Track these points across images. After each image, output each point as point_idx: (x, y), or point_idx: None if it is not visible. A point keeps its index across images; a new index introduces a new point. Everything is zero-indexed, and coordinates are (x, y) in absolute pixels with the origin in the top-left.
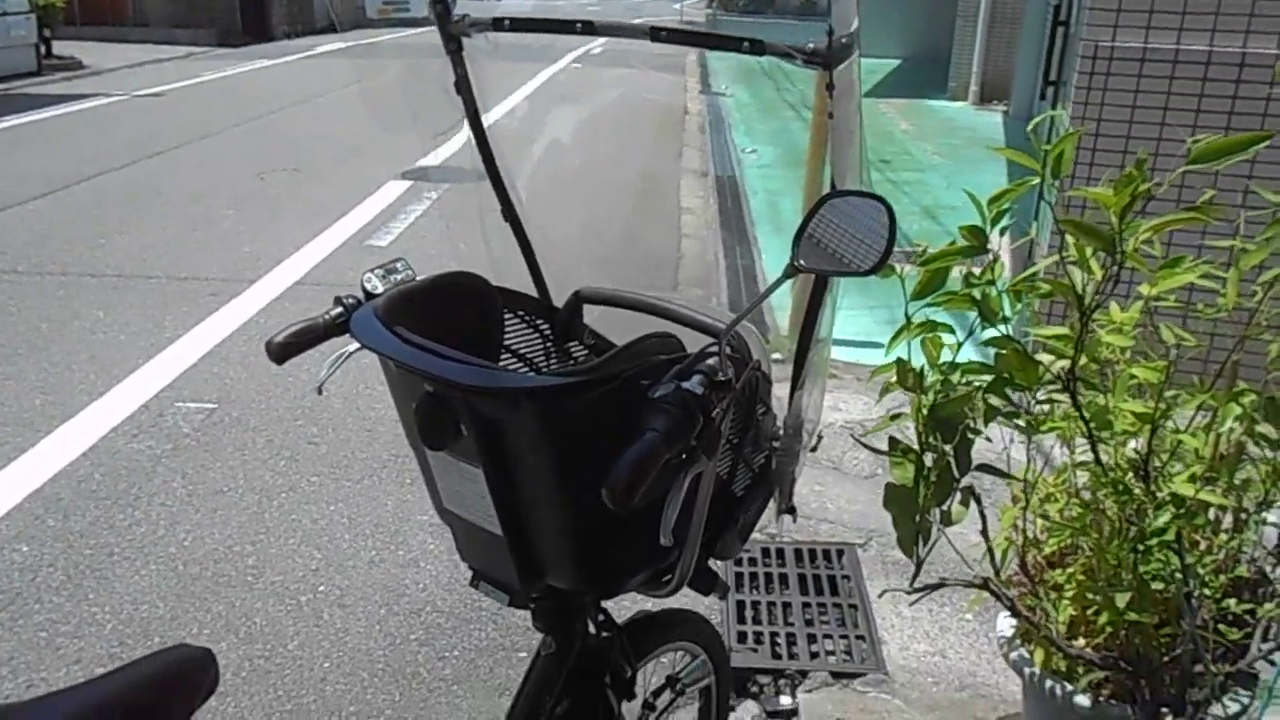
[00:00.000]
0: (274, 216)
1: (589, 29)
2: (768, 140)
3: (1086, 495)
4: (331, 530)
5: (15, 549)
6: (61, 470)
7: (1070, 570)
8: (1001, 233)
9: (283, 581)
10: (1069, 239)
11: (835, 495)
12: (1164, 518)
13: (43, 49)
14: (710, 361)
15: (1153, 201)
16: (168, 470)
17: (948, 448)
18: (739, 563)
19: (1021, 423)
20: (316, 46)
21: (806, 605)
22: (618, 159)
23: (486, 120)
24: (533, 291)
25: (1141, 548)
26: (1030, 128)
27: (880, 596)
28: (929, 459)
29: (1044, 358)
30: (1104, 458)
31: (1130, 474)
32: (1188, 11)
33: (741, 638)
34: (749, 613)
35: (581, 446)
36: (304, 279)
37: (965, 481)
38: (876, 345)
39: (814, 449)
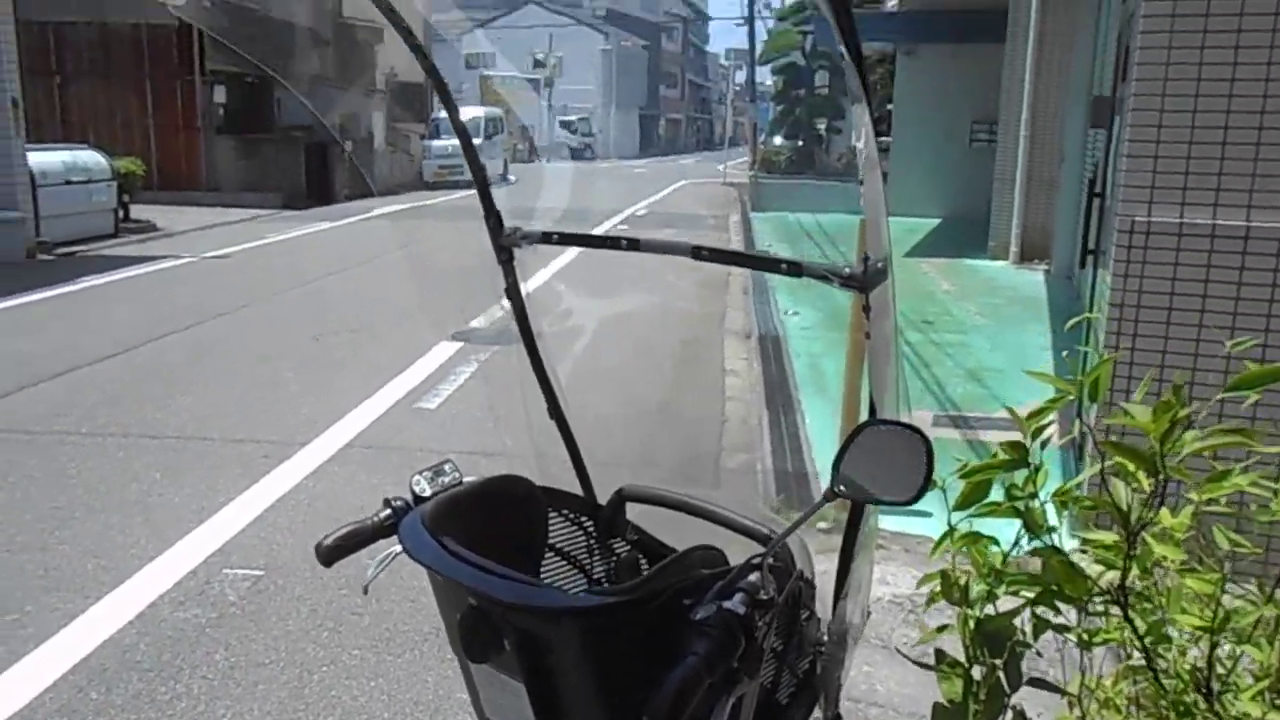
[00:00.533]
0: (329, 378)
1: (634, 246)
2: (809, 303)
3: (1149, 705)
4: (371, 708)
5: None
6: (109, 639)
7: None
8: (1043, 446)
9: None
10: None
11: (885, 676)
12: None
13: (121, 213)
14: (753, 578)
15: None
16: (211, 641)
17: (997, 663)
18: None
19: (1073, 637)
20: (375, 209)
21: None
22: (660, 321)
23: (536, 280)
24: (577, 487)
25: None
26: (1070, 326)
27: None
28: (977, 673)
29: (1093, 568)
30: (1163, 664)
31: (1191, 688)
32: (1222, 189)
33: None
34: None
35: (624, 665)
36: (353, 442)
37: (1016, 698)
38: (924, 514)
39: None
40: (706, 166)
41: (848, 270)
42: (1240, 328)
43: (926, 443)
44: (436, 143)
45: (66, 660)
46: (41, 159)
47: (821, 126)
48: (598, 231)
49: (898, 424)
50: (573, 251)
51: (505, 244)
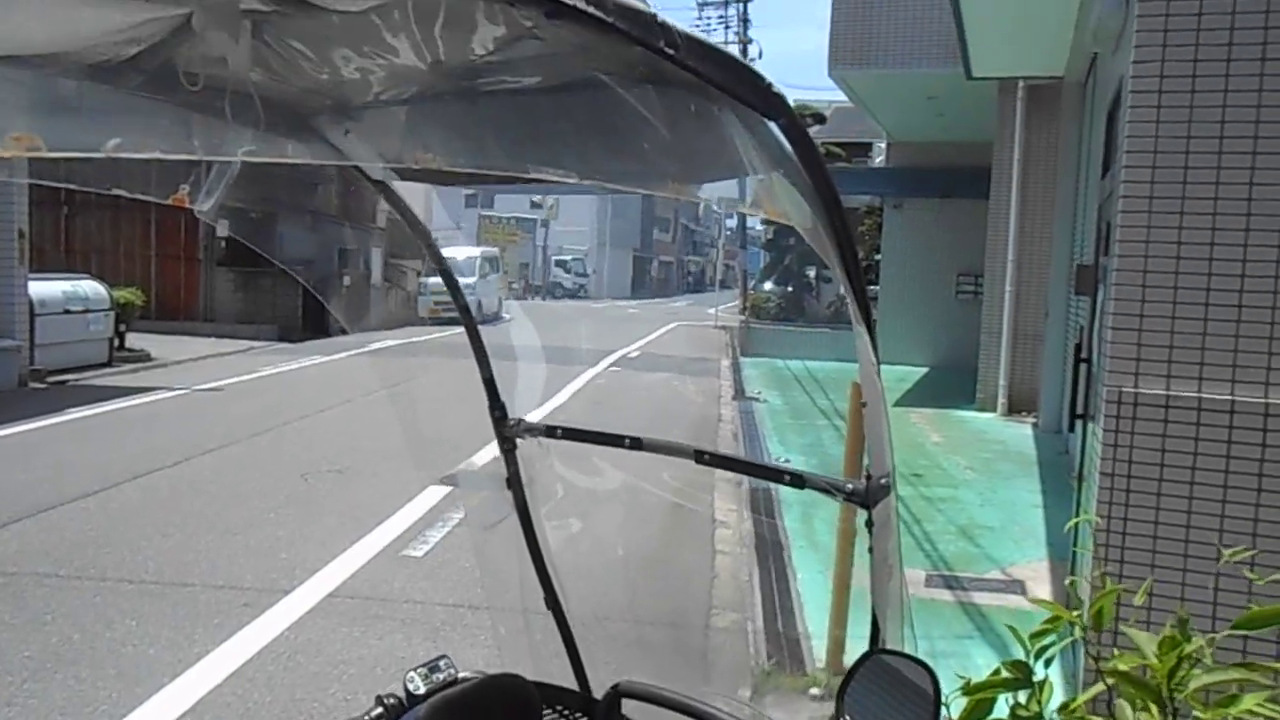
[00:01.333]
0: (314, 521)
1: (636, 445)
2: (801, 450)
3: None
4: None
5: None
6: None
7: None
8: (1046, 664)
9: None
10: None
11: None
12: None
13: (116, 342)
14: None
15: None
16: None
17: None
18: None
19: None
20: (370, 343)
21: None
22: (648, 466)
23: (541, 412)
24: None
25: None
26: (1068, 584)
27: None
28: None
29: None
30: None
31: None
32: (1206, 362)
33: None
34: None
35: None
36: (337, 591)
37: None
38: None
39: None
40: (697, 309)
41: (850, 486)
42: (1231, 501)
43: (934, 677)
44: (433, 279)
45: None
46: (42, 289)
47: (811, 274)
48: (598, 369)
49: (904, 655)
50: (573, 387)
51: (509, 434)
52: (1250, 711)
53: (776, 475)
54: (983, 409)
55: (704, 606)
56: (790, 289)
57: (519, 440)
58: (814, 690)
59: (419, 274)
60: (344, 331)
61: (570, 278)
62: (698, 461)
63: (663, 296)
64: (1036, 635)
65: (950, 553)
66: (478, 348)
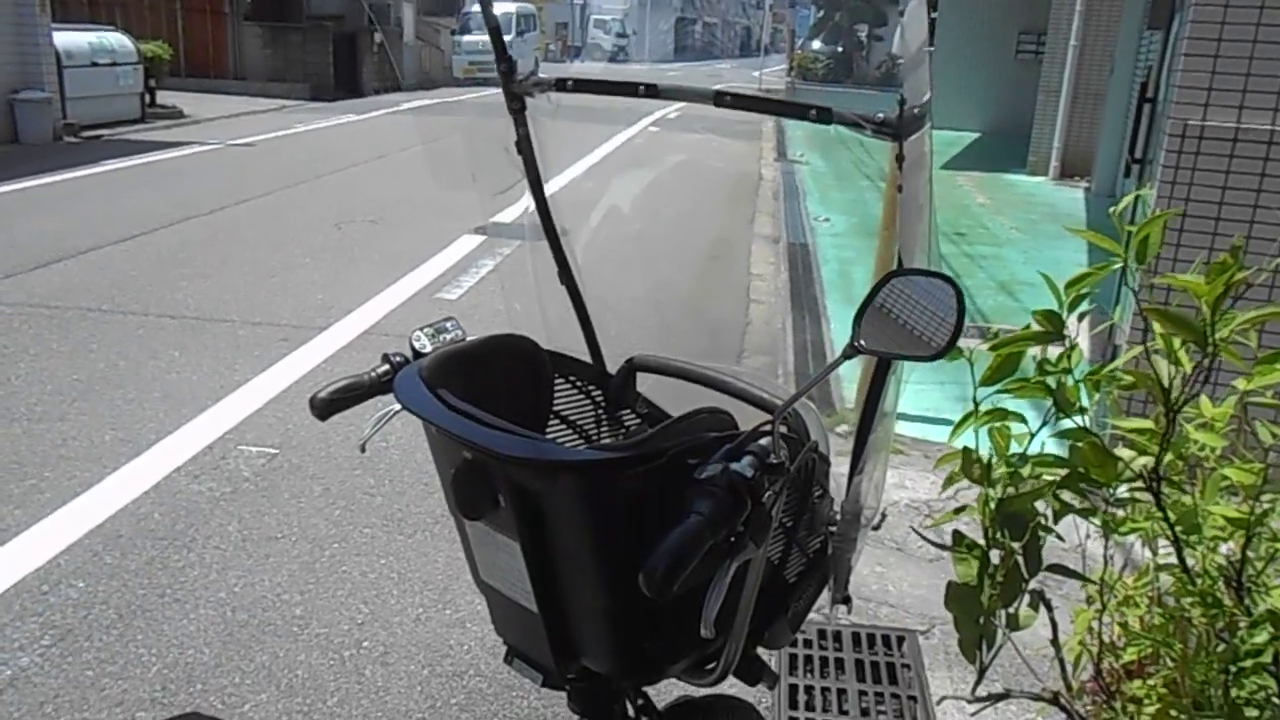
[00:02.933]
0: (349, 266)
1: (652, 92)
2: (842, 209)
3: (1170, 601)
4: (380, 585)
5: (72, 584)
6: (124, 507)
7: (1152, 683)
8: (1080, 318)
9: (327, 634)
10: (1155, 327)
11: (898, 578)
12: (1261, 636)
13: (147, 98)
14: (763, 442)
15: (1244, 294)
16: (225, 513)
17: (1016, 545)
18: (794, 644)
19: (1098, 521)
20: (403, 103)
21: (863, 694)
22: (688, 222)
23: (560, 181)
24: (586, 357)
25: (1234, 669)
26: (1115, 212)
27: (939, 704)
28: (995, 556)
29: (1124, 453)
30: (1191, 563)
31: (1221, 583)
32: None
33: None
34: (801, 697)
35: (622, 525)
36: (373, 329)
37: (1035, 584)
38: (946, 422)
39: (877, 528)
40: (743, 72)
41: (881, 116)
42: None
43: (958, 291)
44: (467, 38)
45: (82, 525)
46: (67, 39)
47: (862, 33)
48: (634, 130)
49: (925, 273)
50: (606, 148)
51: (517, 90)
52: None
53: (801, 111)
54: (1034, 173)
55: (735, 350)
56: (840, 48)
57: (528, 99)
58: (842, 427)
59: (453, 32)
60: (378, 91)
61: (609, 39)
62: (717, 104)
63: (707, 60)
64: (1073, 284)
65: (989, 306)
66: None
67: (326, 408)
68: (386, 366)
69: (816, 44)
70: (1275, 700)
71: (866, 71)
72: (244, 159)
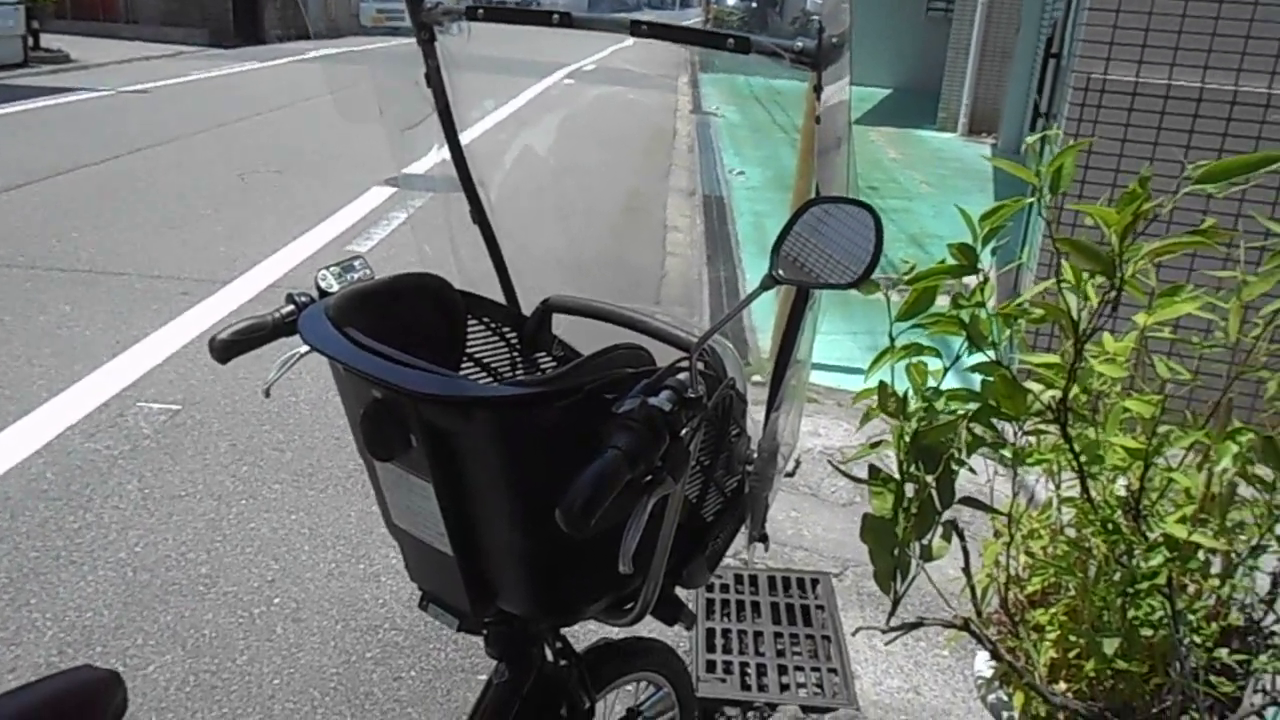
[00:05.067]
0: (254, 218)
1: (566, 21)
2: (757, 163)
3: (1072, 533)
4: (290, 540)
5: None
6: (13, 468)
7: (1054, 610)
8: (993, 254)
9: (236, 592)
10: (1064, 262)
11: (812, 523)
12: (1156, 559)
13: (30, 41)
14: (681, 377)
15: (1146, 229)
16: (124, 472)
17: (930, 478)
18: (710, 589)
19: (1007, 454)
20: (308, 51)
21: (779, 635)
22: (604, 173)
23: (472, 132)
24: (501, 299)
25: (1131, 591)
26: (1030, 141)
27: (854, 634)
28: (910, 490)
29: (1033, 386)
30: (1093, 494)
31: (1119, 512)
32: (1180, 48)
33: (710, 667)
34: (719, 641)
35: (539, 463)
36: (279, 281)
37: (947, 515)
38: (859, 371)
39: (791, 474)
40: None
41: (800, 45)
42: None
43: (876, 217)
44: None
45: None
46: None
47: None
48: (549, 82)
49: (845, 200)
50: (518, 101)
51: (426, 20)
52: (1189, 313)
53: (718, 41)
54: (943, 129)
55: (651, 301)
56: (754, 3)
57: (437, 29)
58: (756, 378)
59: None
60: (281, 39)
61: None
62: (633, 34)
63: (620, 11)
64: (987, 216)
65: (900, 258)
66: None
67: (226, 350)
68: (291, 307)
69: None
70: (1168, 620)
71: (780, 26)
72: (138, 106)
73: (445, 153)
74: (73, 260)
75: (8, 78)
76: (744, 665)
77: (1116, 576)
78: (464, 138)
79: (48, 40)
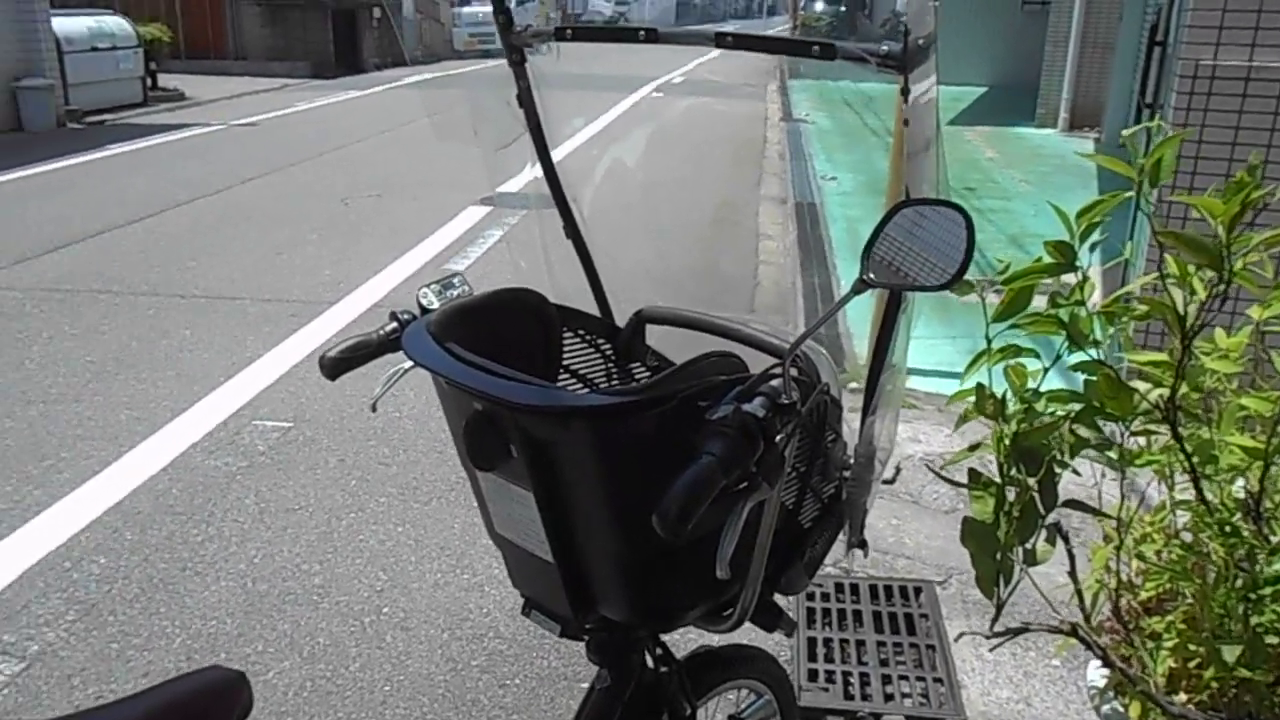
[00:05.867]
0: (355, 241)
1: (652, 37)
2: (849, 168)
3: (1187, 536)
4: (398, 552)
5: (94, 560)
6: (142, 484)
7: (1170, 618)
8: (1091, 249)
9: (347, 602)
10: (1169, 256)
11: (913, 530)
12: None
13: (148, 81)
14: (774, 383)
15: (1260, 217)
16: (242, 487)
17: (1032, 481)
18: (810, 597)
19: (1114, 456)
20: (404, 78)
21: (881, 644)
22: (695, 184)
23: (565, 148)
24: (595, 311)
25: (1253, 597)
26: (1127, 134)
27: (957, 640)
28: (1011, 493)
29: (1139, 385)
30: (1209, 496)
31: (1239, 515)
32: None
33: (812, 676)
34: (820, 650)
35: (635, 470)
36: (381, 301)
37: (1051, 518)
38: (958, 375)
39: (891, 481)
40: (746, 33)
41: (885, 49)
42: None
43: (967, 218)
44: (467, 9)
45: (102, 503)
46: (66, 25)
47: None
48: (638, 96)
49: (933, 201)
50: (610, 114)
51: (516, 42)
52: None
53: (804, 49)
54: (1043, 125)
55: (745, 310)
56: (842, 7)
57: (528, 51)
58: (853, 385)
59: (452, 4)
60: (379, 67)
61: (609, 6)
62: (718, 45)
63: (708, 24)
64: (1084, 212)
65: (1001, 260)
66: None
67: (335, 366)
68: (394, 324)
69: (819, 4)
70: None
71: (870, 30)
72: (247, 139)
73: (538, 170)
74: (192, 288)
75: (130, 117)
76: (846, 674)
77: (1238, 582)
78: (555, 155)
79: (165, 80)
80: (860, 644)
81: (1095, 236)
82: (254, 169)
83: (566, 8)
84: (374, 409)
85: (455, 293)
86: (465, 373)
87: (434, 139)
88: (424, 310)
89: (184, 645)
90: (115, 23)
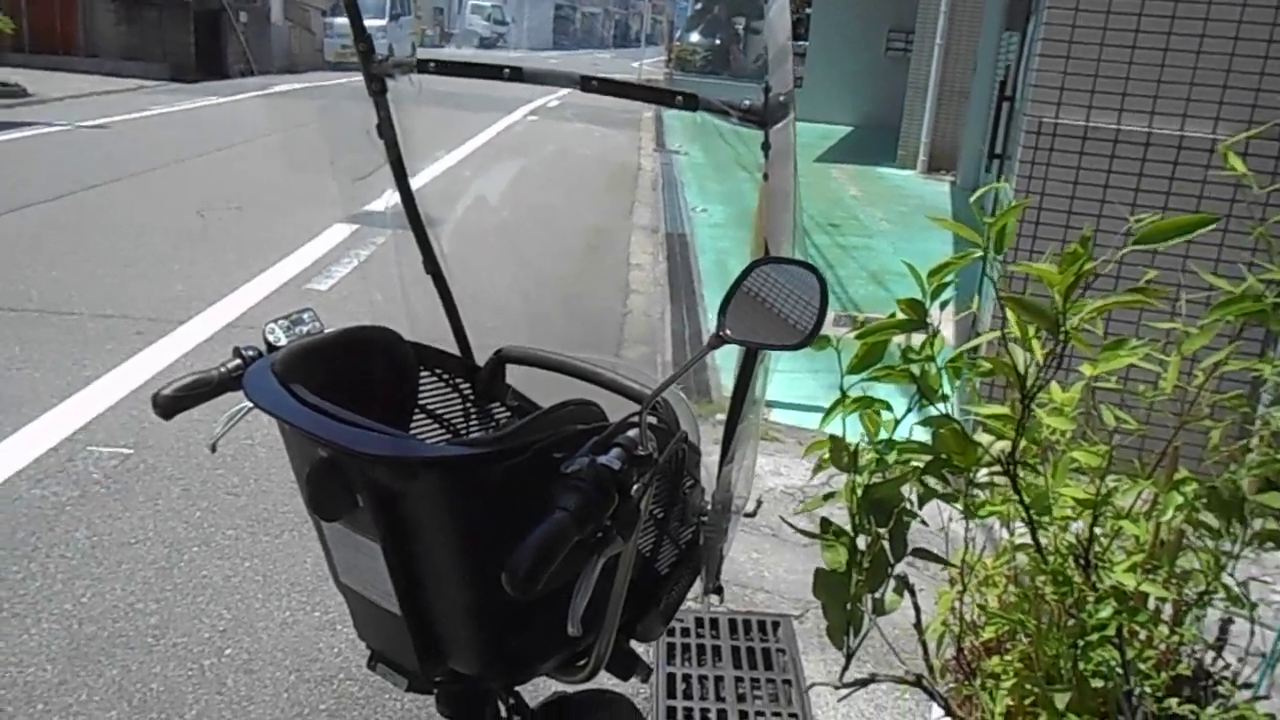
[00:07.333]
0: (211, 255)
1: (516, 75)
2: (720, 200)
3: (1026, 580)
4: (244, 588)
5: None
6: None
7: (1008, 659)
8: (942, 306)
9: (186, 643)
10: (1011, 315)
11: (773, 564)
12: (1105, 611)
13: None
14: (631, 433)
15: (1093, 284)
16: (71, 519)
17: (882, 531)
18: (670, 632)
19: (960, 505)
20: (271, 86)
21: (740, 680)
22: (568, 211)
23: (434, 170)
24: (454, 349)
25: (1082, 643)
26: (974, 198)
27: (810, 689)
28: (862, 542)
29: (984, 438)
30: (1044, 543)
31: (1070, 561)
32: (1128, 93)
33: (670, 714)
34: (680, 686)
35: (487, 522)
36: (237, 321)
37: (900, 568)
38: (819, 409)
39: (752, 515)
40: (622, 63)
41: (747, 104)
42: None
43: (820, 280)
44: (339, 20)
45: None
46: None
47: (740, 25)
48: (513, 118)
49: (790, 261)
50: (483, 137)
51: (377, 72)
52: (1134, 364)
53: (668, 99)
54: (903, 166)
55: (614, 340)
56: (717, 40)
57: (388, 80)
58: (719, 415)
59: (324, 13)
60: (243, 74)
61: (487, 26)
62: (583, 89)
63: (585, 49)
64: (934, 272)
65: (860, 295)
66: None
67: (171, 405)
68: (237, 361)
69: (695, 36)
70: (1119, 671)
71: (744, 64)
72: (96, 142)
73: (398, 197)
74: (23, 300)
75: None
76: (705, 712)
77: (1069, 625)
78: (424, 176)
79: (4, 73)
80: (719, 680)
81: (946, 295)
82: (102, 174)
83: (444, 25)
84: (213, 449)
85: (305, 329)
86: (309, 418)
87: (299, 153)
88: (270, 347)
89: None
90: None
